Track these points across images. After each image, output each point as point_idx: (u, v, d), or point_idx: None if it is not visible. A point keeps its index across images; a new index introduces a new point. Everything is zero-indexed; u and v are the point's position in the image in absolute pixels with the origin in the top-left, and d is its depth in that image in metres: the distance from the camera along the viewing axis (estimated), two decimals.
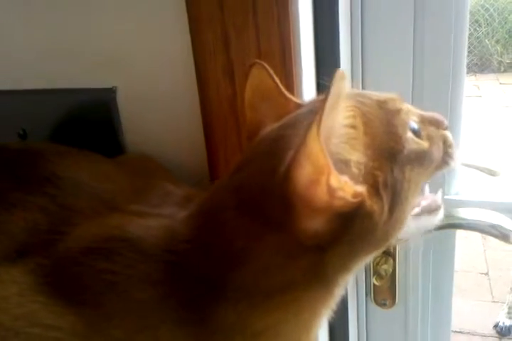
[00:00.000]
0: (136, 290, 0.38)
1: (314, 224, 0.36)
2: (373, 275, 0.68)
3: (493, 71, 3.36)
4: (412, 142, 0.41)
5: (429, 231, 0.47)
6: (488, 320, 1.86)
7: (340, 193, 0.35)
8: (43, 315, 0.37)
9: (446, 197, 0.49)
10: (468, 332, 1.82)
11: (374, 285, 0.69)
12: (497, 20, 3.37)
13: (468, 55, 0.63)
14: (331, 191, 0.35)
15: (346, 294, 0.65)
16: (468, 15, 0.58)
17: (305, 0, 0.54)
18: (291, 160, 0.34)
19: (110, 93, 0.62)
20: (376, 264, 0.67)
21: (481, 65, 3.35)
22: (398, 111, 0.42)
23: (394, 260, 0.67)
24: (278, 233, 0.37)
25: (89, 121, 0.64)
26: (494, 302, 1.95)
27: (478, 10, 3.30)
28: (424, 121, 0.44)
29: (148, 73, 0.61)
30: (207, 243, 0.39)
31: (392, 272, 0.67)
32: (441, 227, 0.60)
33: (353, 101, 0.40)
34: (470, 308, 1.89)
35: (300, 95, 0.55)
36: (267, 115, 0.46)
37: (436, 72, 0.59)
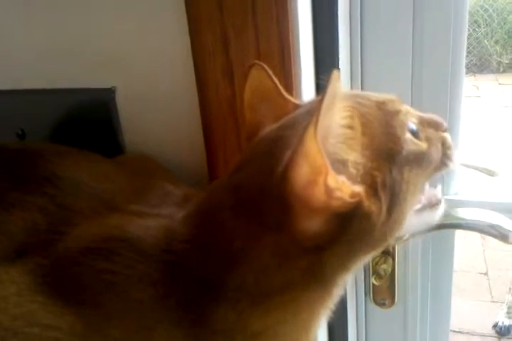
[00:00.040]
0: (136, 290, 0.38)
1: (312, 225, 0.36)
2: (372, 275, 0.68)
3: (492, 71, 3.36)
4: (410, 143, 0.41)
5: (431, 226, 0.47)
6: (488, 320, 1.86)
7: (337, 193, 0.35)
8: (41, 314, 0.37)
9: (445, 197, 0.49)
10: (468, 332, 1.83)
11: (373, 284, 0.69)
12: (496, 21, 3.37)
13: (467, 56, 0.63)
14: (328, 191, 0.35)
15: (345, 294, 0.66)
16: (467, 16, 0.58)
17: (304, 0, 0.54)
18: (288, 161, 0.34)
19: (109, 93, 0.62)
20: (375, 264, 0.67)
21: (480, 66, 3.35)
22: (397, 113, 0.42)
23: (393, 260, 0.67)
24: (276, 233, 0.37)
25: (88, 121, 0.64)
26: (493, 302, 1.95)
27: (478, 10, 3.30)
28: (423, 122, 0.44)
29: (148, 73, 0.61)
30: (205, 243, 0.39)
31: (392, 272, 0.68)
32: (440, 227, 0.60)
33: (351, 102, 0.40)
34: (469, 308, 1.89)
35: (299, 96, 0.55)
36: (266, 116, 0.46)
37: (435, 72, 0.59)
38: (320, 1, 0.56)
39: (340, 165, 0.36)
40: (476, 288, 2.01)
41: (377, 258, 0.67)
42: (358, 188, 0.37)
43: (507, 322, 1.83)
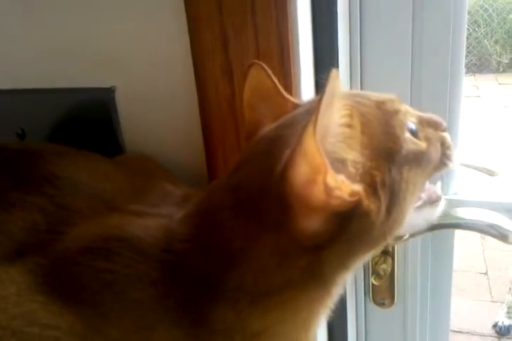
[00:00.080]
0: (135, 290, 0.38)
1: (311, 224, 0.36)
2: (372, 274, 0.68)
3: (492, 71, 3.36)
4: (409, 142, 0.41)
5: (431, 222, 0.47)
6: (487, 320, 1.86)
7: (337, 192, 0.35)
8: (41, 314, 0.37)
9: (444, 196, 0.49)
10: (468, 332, 1.83)
11: (373, 284, 0.69)
12: (496, 21, 3.37)
13: (467, 56, 0.63)
14: (327, 190, 0.35)
15: (345, 294, 0.66)
16: (466, 15, 0.58)
17: (303, 0, 0.54)
18: (287, 160, 0.34)
19: (109, 93, 0.62)
20: (375, 264, 0.67)
21: (480, 65, 3.35)
22: (396, 112, 0.42)
23: (393, 259, 0.67)
24: (275, 232, 0.37)
25: (88, 120, 0.64)
26: (493, 302, 1.95)
27: (477, 10, 3.30)
28: (422, 122, 0.44)
29: (147, 73, 0.61)
30: (205, 243, 0.39)
31: (391, 272, 0.68)
32: (439, 227, 0.60)
33: (351, 101, 0.40)
34: (469, 308, 1.89)
35: (298, 95, 0.55)
36: (266, 115, 0.46)
37: (435, 72, 0.59)
38: (320, 0, 0.56)
39: (339, 164, 0.36)
40: (476, 287, 2.01)
41: (377, 258, 0.67)
42: (358, 187, 0.37)
43: (507, 322, 1.83)
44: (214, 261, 0.39)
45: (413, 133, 0.42)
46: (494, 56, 3.36)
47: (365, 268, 0.68)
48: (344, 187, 0.36)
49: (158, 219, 0.43)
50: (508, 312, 1.84)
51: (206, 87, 0.57)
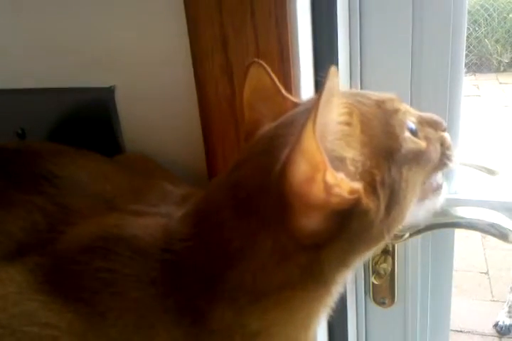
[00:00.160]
0: (134, 289, 0.38)
1: (311, 222, 0.36)
2: (372, 274, 0.68)
3: (493, 70, 3.35)
4: (409, 141, 0.41)
5: (433, 212, 0.46)
6: (488, 319, 1.86)
7: (336, 190, 0.35)
8: (40, 313, 0.37)
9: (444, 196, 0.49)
10: (469, 332, 1.83)
11: (373, 284, 0.69)
12: (496, 20, 3.36)
13: (467, 55, 0.63)
14: (327, 188, 0.35)
15: (345, 293, 0.66)
16: (466, 15, 0.58)
17: (303, 0, 0.54)
18: (286, 158, 0.34)
19: (109, 92, 0.62)
20: (375, 263, 0.67)
21: (480, 65, 3.34)
22: (396, 111, 0.42)
23: (393, 259, 0.67)
24: (275, 231, 0.37)
25: (87, 120, 0.64)
26: (494, 301, 1.95)
27: (478, 9, 3.29)
28: (422, 122, 0.44)
29: (147, 72, 0.61)
30: (204, 242, 0.39)
31: (391, 271, 0.67)
32: (440, 226, 0.60)
33: (351, 100, 0.40)
34: (470, 307, 1.89)
35: (298, 94, 0.55)
36: (265, 114, 0.46)
37: (435, 72, 0.59)
38: (319, 0, 0.56)
39: (338, 163, 0.36)
40: (477, 287, 2.01)
41: (377, 258, 0.67)
42: (357, 185, 0.37)
43: (508, 321, 1.83)
44: (213, 260, 0.39)
45: (413, 132, 0.42)
46: (495, 55, 3.35)
47: (366, 268, 0.68)
48: (343, 184, 0.36)
49: (157, 218, 0.43)
50: (509, 312, 1.84)
51: (206, 87, 0.57)
